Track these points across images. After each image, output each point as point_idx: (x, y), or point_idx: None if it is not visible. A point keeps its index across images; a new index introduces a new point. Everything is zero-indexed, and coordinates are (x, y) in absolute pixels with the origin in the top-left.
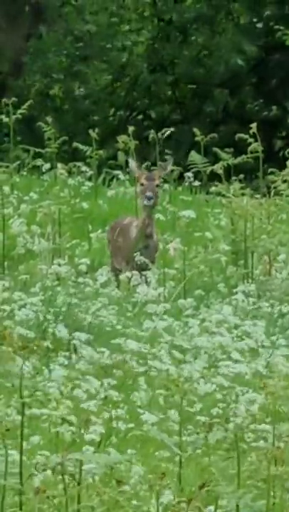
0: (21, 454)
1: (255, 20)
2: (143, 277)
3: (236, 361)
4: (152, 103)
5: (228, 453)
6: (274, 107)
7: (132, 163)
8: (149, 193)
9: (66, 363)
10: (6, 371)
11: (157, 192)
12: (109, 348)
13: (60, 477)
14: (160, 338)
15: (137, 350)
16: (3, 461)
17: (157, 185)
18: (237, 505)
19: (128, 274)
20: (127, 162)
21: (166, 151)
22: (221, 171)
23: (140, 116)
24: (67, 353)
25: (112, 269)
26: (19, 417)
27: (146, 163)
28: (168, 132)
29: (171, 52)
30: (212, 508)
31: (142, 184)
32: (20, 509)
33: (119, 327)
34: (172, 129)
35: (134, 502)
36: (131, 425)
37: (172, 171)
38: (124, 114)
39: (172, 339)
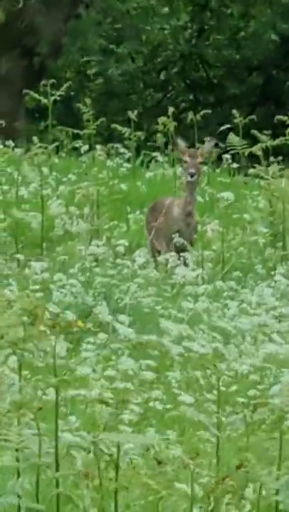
0: (57, 433)
1: None
2: (181, 259)
3: (276, 342)
4: (187, 85)
5: (269, 434)
6: None
7: (181, 142)
8: (191, 170)
9: (103, 343)
10: (40, 350)
11: (200, 169)
12: (147, 329)
13: (96, 457)
14: (198, 320)
15: (175, 331)
16: (38, 441)
17: (201, 163)
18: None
19: (166, 255)
20: (165, 144)
21: (205, 133)
22: (259, 153)
23: (179, 99)
24: (105, 334)
25: (150, 250)
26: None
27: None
28: (204, 113)
29: (207, 35)
30: (250, 489)
31: (185, 161)
32: (57, 487)
33: (157, 308)
34: (210, 111)
35: (176, 484)
36: (168, 406)
37: (211, 152)
38: (162, 96)
39: (211, 321)
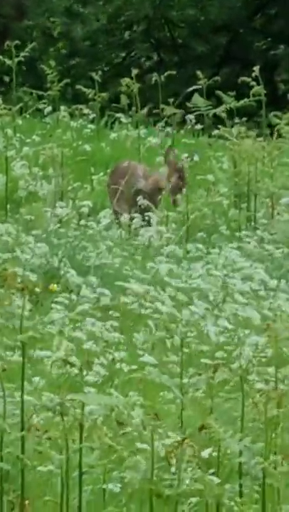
0: (22, 394)
1: None
2: (145, 220)
3: (240, 303)
4: (152, 44)
5: (230, 395)
6: (276, 51)
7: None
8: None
9: (68, 304)
10: (6, 312)
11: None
12: (112, 290)
13: (61, 418)
14: (163, 281)
15: (140, 292)
16: (2, 402)
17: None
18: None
19: (129, 216)
20: (129, 105)
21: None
22: (223, 114)
23: (143, 59)
24: (69, 295)
25: (113, 212)
26: (20, 359)
27: (148, 106)
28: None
29: None
30: (211, 450)
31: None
32: (22, 451)
33: (122, 269)
34: (174, 72)
35: (138, 444)
36: (133, 367)
37: (174, 114)
38: (126, 56)
39: (175, 281)
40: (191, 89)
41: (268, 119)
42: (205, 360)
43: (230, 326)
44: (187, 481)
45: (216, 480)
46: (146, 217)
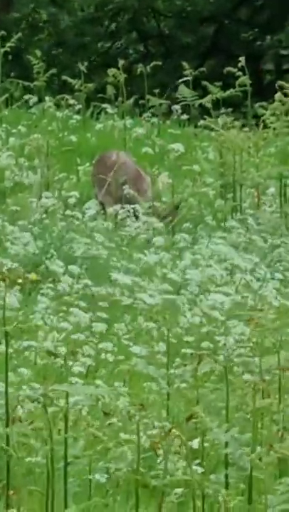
0: (7, 385)
1: None
2: (131, 211)
3: (226, 294)
4: (138, 35)
5: (216, 385)
6: (261, 42)
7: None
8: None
9: (54, 295)
10: None
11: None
12: (99, 281)
13: (44, 409)
14: (150, 271)
15: (127, 283)
16: None
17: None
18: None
19: (116, 207)
20: (115, 95)
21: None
22: (209, 105)
23: (129, 49)
24: (55, 286)
25: (99, 203)
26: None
27: (134, 97)
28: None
29: None
30: (198, 440)
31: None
32: (7, 443)
33: (109, 260)
34: (160, 63)
35: (122, 434)
36: (120, 357)
37: (160, 104)
38: (112, 47)
39: (163, 272)
40: (180, 81)
41: (254, 109)
42: (189, 350)
43: (216, 316)
44: (174, 472)
45: (200, 470)
46: (133, 209)
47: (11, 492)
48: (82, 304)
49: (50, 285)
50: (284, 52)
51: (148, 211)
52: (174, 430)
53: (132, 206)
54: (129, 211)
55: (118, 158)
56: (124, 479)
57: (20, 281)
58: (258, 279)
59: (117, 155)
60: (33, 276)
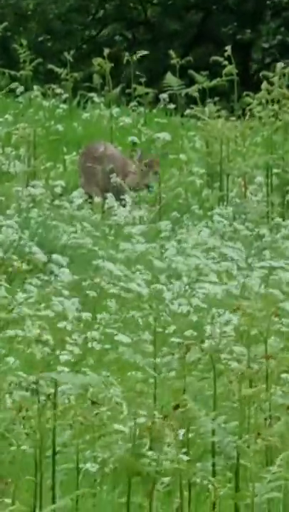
0: None
1: None
2: (119, 200)
3: (212, 283)
4: (125, 22)
5: (204, 374)
6: (248, 31)
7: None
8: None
9: (41, 284)
10: None
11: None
12: (85, 270)
13: (35, 397)
14: (136, 260)
15: (113, 271)
16: None
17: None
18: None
19: (104, 196)
20: (102, 84)
21: (141, 73)
22: (196, 94)
23: (116, 37)
24: (41, 275)
25: (86, 193)
26: None
27: (120, 86)
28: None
29: None
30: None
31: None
32: None
33: (95, 249)
34: (146, 52)
35: (115, 425)
36: (106, 346)
37: (147, 93)
38: (98, 34)
39: (148, 261)
40: (169, 74)
41: (241, 99)
42: (176, 339)
43: (202, 305)
44: (162, 461)
45: (186, 458)
46: (120, 198)
47: (9, 480)
48: (66, 292)
49: (38, 274)
50: (265, 45)
51: (135, 200)
52: (167, 418)
53: (120, 197)
54: (116, 200)
55: (105, 150)
56: (112, 468)
57: (10, 270)
58: (243, 268)
59: (104, 146)
60: (19, 265)
